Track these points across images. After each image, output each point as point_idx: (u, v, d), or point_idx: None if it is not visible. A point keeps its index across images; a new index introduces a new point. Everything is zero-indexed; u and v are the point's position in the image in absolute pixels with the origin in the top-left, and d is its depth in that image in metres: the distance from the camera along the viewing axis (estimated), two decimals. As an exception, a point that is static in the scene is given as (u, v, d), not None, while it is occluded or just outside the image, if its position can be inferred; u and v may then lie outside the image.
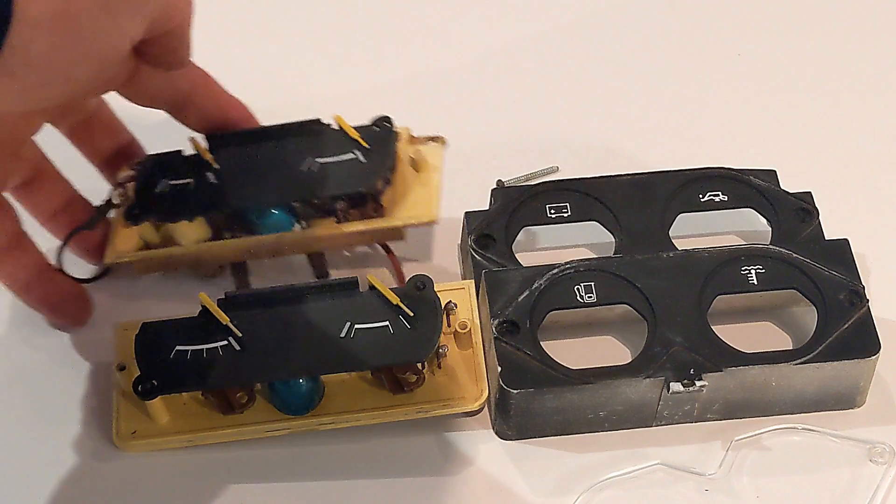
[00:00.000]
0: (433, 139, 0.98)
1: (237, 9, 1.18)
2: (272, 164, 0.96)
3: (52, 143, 1.09)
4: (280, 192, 0.95)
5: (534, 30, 1.17)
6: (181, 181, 0.96)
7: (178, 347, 0.89)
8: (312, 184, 0.95)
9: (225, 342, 0.89)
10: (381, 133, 0.96)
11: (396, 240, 0.97)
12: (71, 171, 1.06)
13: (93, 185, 1.01)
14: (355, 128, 0.96)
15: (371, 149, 0.95)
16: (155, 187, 0.96)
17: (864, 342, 0.89)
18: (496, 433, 0.91)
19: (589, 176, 0.99)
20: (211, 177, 0.96)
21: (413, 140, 0.99)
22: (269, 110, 1.02)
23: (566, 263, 0.92)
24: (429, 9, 1.19)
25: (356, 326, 0.89)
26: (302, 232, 0.96)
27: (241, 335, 0.89)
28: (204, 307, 0.90)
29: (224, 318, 0.89)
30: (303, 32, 1.17)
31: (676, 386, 0.87)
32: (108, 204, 0.97)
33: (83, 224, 0.97)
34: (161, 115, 1.08)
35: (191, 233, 0.96)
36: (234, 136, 0.97)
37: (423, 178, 0.97)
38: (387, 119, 0.97)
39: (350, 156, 0.96)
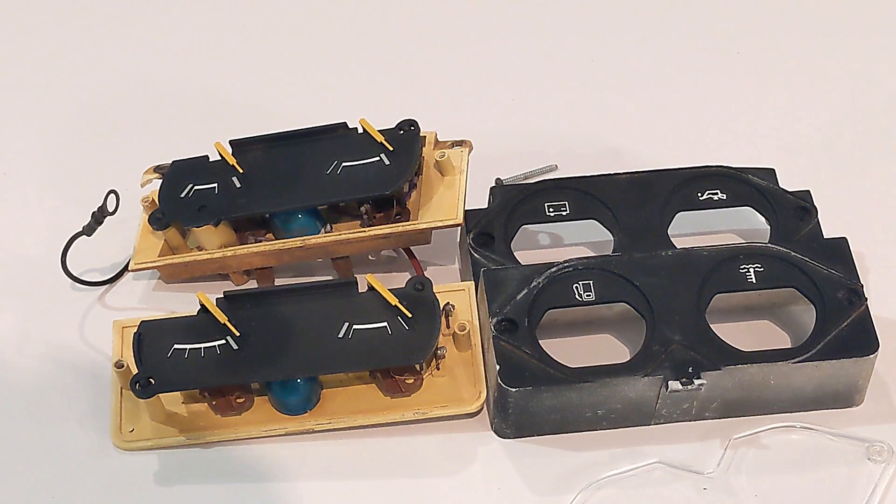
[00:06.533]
0: (458, 143, 0.99)
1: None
2: (297, 168, 0.96)
3: (52, 147, 1.09)
4: (305, 195, 0.96)
5: (533, 29, 1.17)
6: (206, 186, 0.97)
7: (175, 346, 0.89)
8: (337, 187, 0.95)
9: (223, 341, 0.89)
10: (406, 136, 0.96)
11: (422, 243, 0.96)
12: (71, 175, 1.07)
13: (92, 191, 1.01)
14: (380, 131, 0.96)
15: (396, 152, 0.95)
16: (180, 192, 0.97)
17: (862, 341, 0.89)
18: (494, 432, 0.91)
19: (588, 174, 0.99)
20: (236, 181, 0.97)
21: (438, 144, 0.99)
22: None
23: (565, 262, 0.92)
24: (429, 8, 1.19)
25: (354, 327, 0.89)
26: (327, 236, 0.96)
27: (238, 334, 0.89)
28: (203, 306, 0.90)
29: (222, 318, 0.89)
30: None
31: (675, 384, 0.87)
32: (104, 210, 0.97)
33: (81, 230, 0.97)
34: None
35: (216, 238, 0.96)
36: (258, 140, 0.98)
37: (447, 181, 0.97)
38: (412, 122, 0.97)
39: (375, 159, 0.96)
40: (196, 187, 0.97)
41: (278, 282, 0.99)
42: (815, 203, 0.98)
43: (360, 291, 0.91)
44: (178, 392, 0.90)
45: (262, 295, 0.91)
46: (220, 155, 0.97)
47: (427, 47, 1.16)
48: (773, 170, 0.99)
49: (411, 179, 0.96)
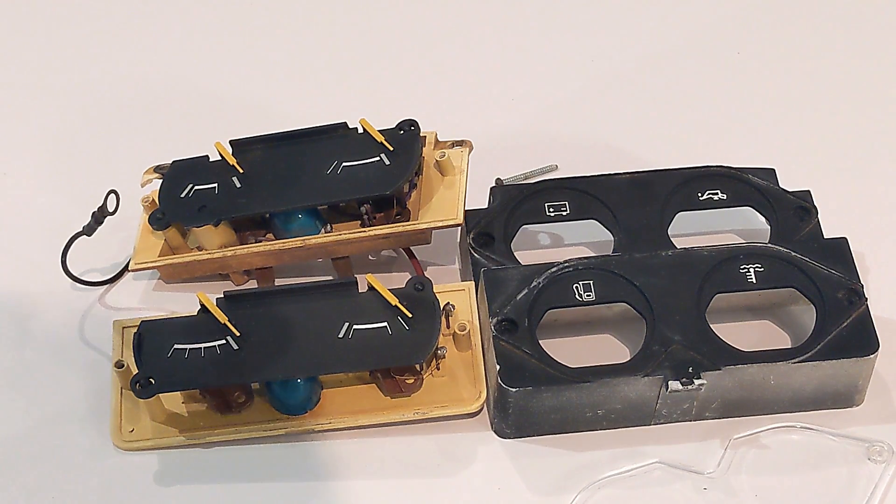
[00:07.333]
0: (458, 143, 0.99)
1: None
2: (297, 168, 0.96)
3: (52, 147, 1.09)
4: (305, 195, 0.96)
5: (533, 29, 1.17)
6: (206, 186, 0.97)
7: (176, 346, 0.89)
8: (337, 187, 0.95)
9: (223, 341, 0.89)
10: (406, 136, 0.96)
11: (422, 243, 0.96)
12: (71, 175, 1.07)
13: (92, 191, 1.01)
14: (380, 131, 0.96)
15: (396, 152, 0.95)
16: (180, 192, 0.97)
17: (862, 341, 0.89)
18: (495, 432, 0.91)
19: (588, 174, 0.99)
20: (236, 181, 0.97)
21: (438, 144, 0.99)
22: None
23: (565, 262, 0.92)
24: (429, 9, 1.19)
25: (354, 327, 0.89)
26: (327, 236, 0.96)
27: (239, 334, 0.89)
28: (203, 306, 0.90)
29: (222, 318, 0.89)
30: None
31: (675, 384, 0.87)
32: (104, 210, 0.97)
33: (81, 230, 0.97)
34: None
35: (216, 238, 0.96)
36: (258, 140, 0.98)
37: (447, 181, 0.97)
38: (412, 122, 0.97)
39: (375, 159, 0.96)
40: (196, 187, 0.97)
41: (278, 282, 0.99)
42: (815, 203, 0.98)
43: (360, 291, 0.91)
44: (178, 392, 0.90)
45: (262, 295, 0.91)
46: (220, 155, 0.98)
47: (427, 47, 1.16)
48: (773, 170, 0.99)
49: (411, 179, 0.96)
